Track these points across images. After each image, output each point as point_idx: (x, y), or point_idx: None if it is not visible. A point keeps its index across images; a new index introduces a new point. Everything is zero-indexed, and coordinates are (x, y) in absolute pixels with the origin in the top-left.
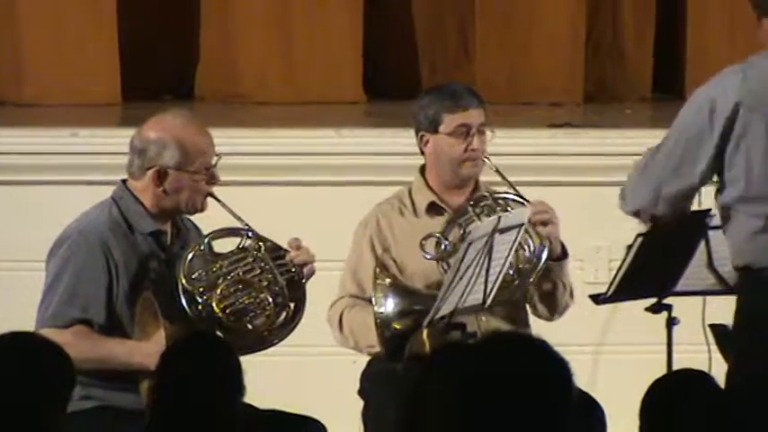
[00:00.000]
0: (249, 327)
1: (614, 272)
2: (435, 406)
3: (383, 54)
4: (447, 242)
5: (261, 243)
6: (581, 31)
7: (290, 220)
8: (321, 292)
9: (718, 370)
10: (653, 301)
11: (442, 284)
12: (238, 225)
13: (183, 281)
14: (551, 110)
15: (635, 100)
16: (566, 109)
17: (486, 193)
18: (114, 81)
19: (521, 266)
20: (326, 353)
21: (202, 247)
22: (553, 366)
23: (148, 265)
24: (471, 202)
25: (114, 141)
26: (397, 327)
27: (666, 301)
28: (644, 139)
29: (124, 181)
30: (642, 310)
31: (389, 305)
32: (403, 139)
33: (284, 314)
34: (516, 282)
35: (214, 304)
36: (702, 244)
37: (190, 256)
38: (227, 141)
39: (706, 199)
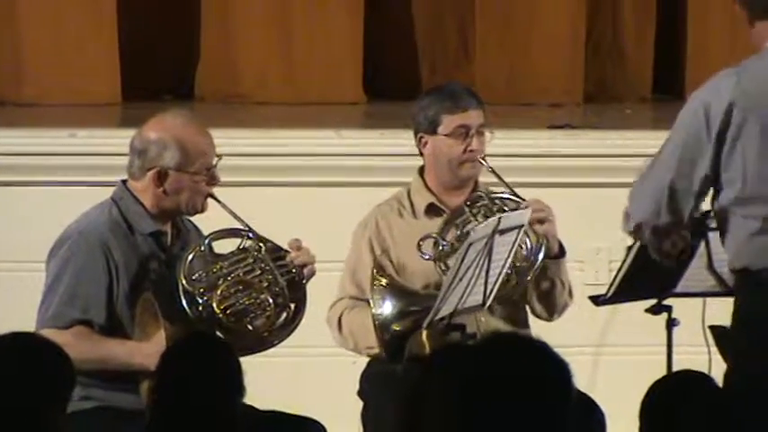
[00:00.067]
0: (249, 327)
1: (614, 273)
2: (435, 407)
3: (383, 55)
4: (444, 242)
5: (261, 244)
6: (581, 32)
7: (290, 220)
8: (321, 293)
9: (718, 371)
10: (653, 302)
11: (442, 285)
12: (239, 226)
13: (184, 282)
14: (551, 111)
15: (635, 100)
16: (566, 110)
17: (483, 194)
18: (114, 81)
19: (518, 264)
20: (326, 354)
21: (203, 248)
22: (553, 367)
23: (149, 266)
24: (468, 203)
25: (114, 142)
26: (397, 328)
27: (666, 302)
28: (644, 140)
29: (124, 181)
30: (642, 312)
31: (387, 307)
32: (403, 140)
33: (284, 315)
34: (513, 280)
35: (214, 305)
36: (702, 245)
37: (190, 256)
38: (228, 142)
39: (706, 201)
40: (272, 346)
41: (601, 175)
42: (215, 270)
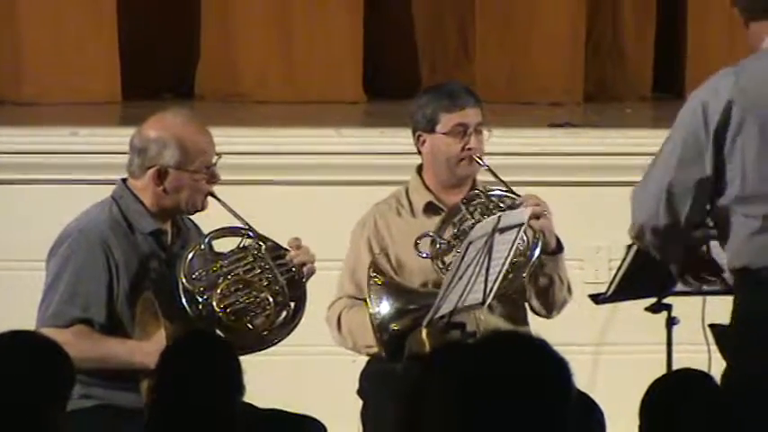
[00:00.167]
0: (249, 326)
1: (614, 272)
2: (434, 406)
3: (383, 54)
4: (441, 241)
5: (261, 242)
6: (581, 31)
7: (290, 219)
8: (321, 292)
9: (718, 370)
10: (653, 300)
11: (442, 284)
12: (238, 224)
13: (184, 280)
14: (551, 109)
15: (635, 99)
16: (566, 109)
17: (479, 191)
18: (114, 80)
19: (514, 260)
20: (326, 352)
21: (203, 247)
22: (553, 366)
23: (149, 265)
24: (464, 201)
25: (114, 140)
26: (395, 327)
27: (666, 300)
28: (644, 139)
29: (124, 180)
30: (642, 310)
31: (385, 306)
32: (403, 139)
33: (284, 314)
34: (510, 275)
35: (214, 304)
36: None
37: (190, 255)
38: (227, 140)
39: None
40: (272, 344)
41: (601, 173)
42: (215, 269)
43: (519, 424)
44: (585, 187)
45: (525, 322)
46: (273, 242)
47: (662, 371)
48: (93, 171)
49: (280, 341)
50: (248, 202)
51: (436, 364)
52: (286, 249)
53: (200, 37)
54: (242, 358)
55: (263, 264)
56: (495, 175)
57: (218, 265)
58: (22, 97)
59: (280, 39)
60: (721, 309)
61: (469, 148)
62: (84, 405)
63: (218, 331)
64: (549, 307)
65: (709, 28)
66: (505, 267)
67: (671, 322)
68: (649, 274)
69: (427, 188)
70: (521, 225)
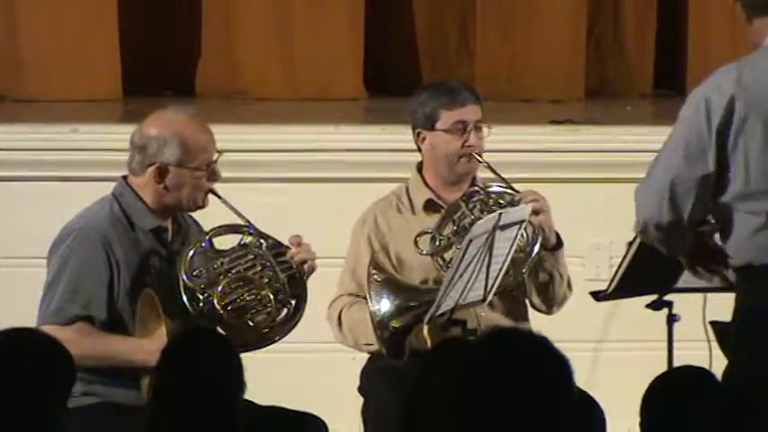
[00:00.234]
0: (250, 324)
1: (615, 269)
2: (435, 403)
3: (384, 51)
4: (441, 237)
5: (262, 240)
6: (582, 28)
7: (290, 216)
8: (322, 289)
9: (719, 367)
10: (653, 297)
11: (443, 281)
12: (239, 222)
13: (185, 278)
14: (552, 106)
15: (636, 96)
16: (567, 105)
17: (479, 188)
18: (115, 77)
19: (514, 256)
20: (326, 349)
21: (203, 244)
22: (553, 363)
23: (149, 262)
24: (464, 198)
25: (115, 137)
26: (395, 325)
27: (667, 297)
28: (645, 136)
29: (125, 177)
30: (643, 307)
31: (385, 303)
32: (403, 136)
33: (285, 311)
34: (510, 271)
35: (215, 301)
36: None
37: (191, 253)
38: (228, 138)
39: None
40: (273, 342)
41: (602, 170)
42: (216, 266)
43: (520, 421)
44: (586, 184)
45: (526, 319)
46: (274, 239)
47: (663, 368)
48: (94, 168)
49: (280, 339)
50: (249, 199)
51: (437, 361)
52: (287, 247)
53: (201, 34)
54: (243, 355)
55: (263, 261)
56: (494, 171)
57: (218, 263)
58: (22, 94)
59: (280, 36)
60: (722, 306)
61: (469, 145)
62: (85, 402)
63: (218, 329)
64: (550, 303)
65: (710, 25)
66: (506, 264)
67: (672, 319)
68: (650, 272)
69: (427, 185)
70: (522, 222)
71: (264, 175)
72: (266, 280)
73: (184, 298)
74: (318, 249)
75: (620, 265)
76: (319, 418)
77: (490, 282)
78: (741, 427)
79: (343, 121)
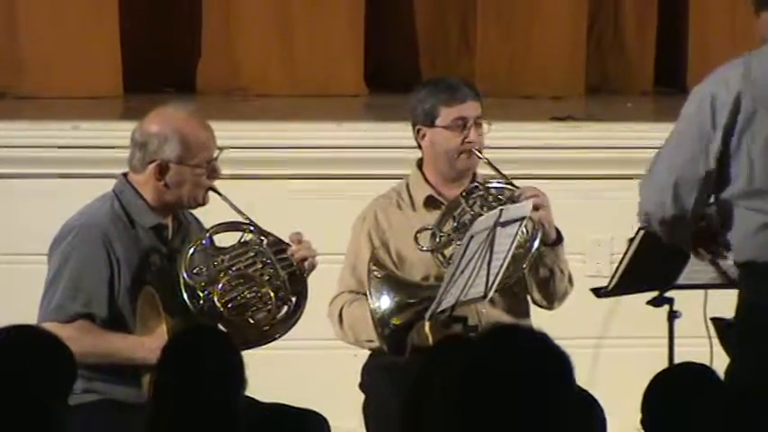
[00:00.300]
0: (251, 321)
1: (616, 265)
2: (436, 399)
3: (384, 47)
4: (441, 234)
5: (262, 237)
6: (583, 25)
7: (291, 213)
8: (322, 286)
9: (720, 363)
10: (654, 294)
11: (444, 278)
12: (240, 219)
13: (185, 275)
14: (553, 103)
15: (636, 93)
16: (567, 102)
17: (478, 184)
18: (116, 73)
19: (514, 252)
20: (328, 346)
21: (204, 242)
22: (554, 359)
23: (150, 260)
24: (463, 194)
25: (116, 134)
26: (396, 322)
27: (668, 294)
28: (646, 133)
29: (125, 174)
30: (644, 304)
31: (385, 300)
32: (404, 133)
33: (285, 309)
34: (510, 267)
35: (216, 299)
36: None
37: (191, 250)
38: (229, 134)
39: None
40: (273, 339)
41: (602, 167)
42: (216, 264)
43: (521, 418)
44: (587, 181)
45: (527, 315)
46: (275, 237)
47: (664, 364)
48: (95, 165)
49: (281, 336)
50: (250, 196)
51: (438, 357)
52: (287, 244)
53: (202, 30)
54: (244, 352)
55: (264, 258)
56: (494, 167)
57: (219, 260)
58: (23, 91)
59: (281, 32)
60: (723, 302)
61: (469, 141)
62: (86, 400)
63: (219, 326)
64: (551, 298)
65: (711, 22)
66: (507, 261)
67: (673, 316)
68: (651, 268)
69: (427, 182)
70: (523, 219)
71: (265, 172)
72: (267, 277)
73: (185, 295)
74: (319, 246)
75: (620, 262)
76: (320, 415)
77: (491, 278)
78: (743, 424)
79: (344, 117)
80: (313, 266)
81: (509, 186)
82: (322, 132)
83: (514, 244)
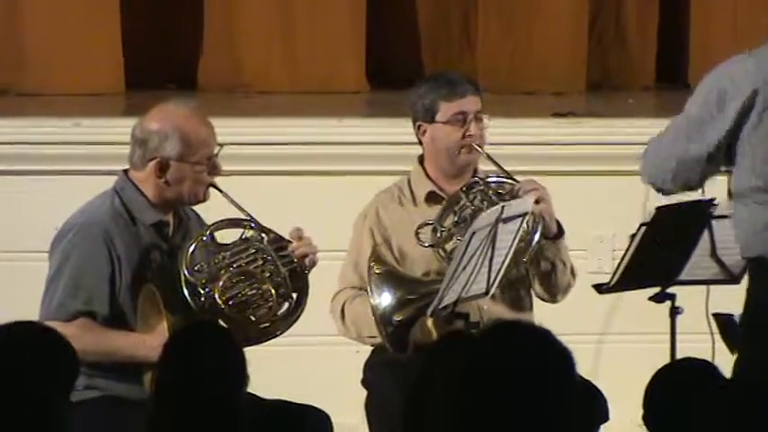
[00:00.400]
0: (252, 318)
1: (618, 261)
2: (439, 396)
3: (386, 44)
4: (442, 229)
5: (263, 234)
6: (584, 21)
7: (292, 210)
8: (324, 282)
9: (722, 359)
10: (656, 290)
11: (446, 274)
12: (241, 216)
13: (186, 272)
14: (554, 99)
15: (638, 89)
16: (569, 98)
17: (478, 179)
18: (118, 70)
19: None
20: (329, 342)
21: (204, 239)
22: (556, 356)
23: (150, 257)
24: (464, 189)
25: (117, 131)
26: (398, 318)
27: (670, 290)
28: (647, 129)
29: (126, 171)
30: (645, 300)
31: (386, 297)
32: (405, 129)
33: (286, 305)
34: (511, 262)
35: (217, 296)
36: (706, 233)
37: (192, 247)
38: (231, 131)
39: (710, 188)
40: (274, 336)
41: (604, 163)
42: (217, 261)
43: (522, 414)
44: (588, 177)
45: (530, 310)
46: (275, 233)
47: (666, 360)
48: (97, 162)
49: (282, 333)
50: (250, 192)
51: (440, 354)
52: (288, 241)
53: (204, 27)
54: (246, 349)
55: (265, 255)
56: (493, 161)
57: (220, 257)
58: (25, 87)
59: (282, 29)
60: (725, 298)
61: (470, 136)
62: (88, 396)
63: (220, 322)
64: (553, 291)
65: (712, 18)
66: (509, 257)
67: (674, 312)
68: (653, 264)
69: (429, 177)
70: (524, 215)
71: (266, 169)
72: (268, 274)
73: (186, 292)
74: (320, 243)
75: (622, 258)
76: (322, 411)
77: (493, 275)
78: (747, 420)
79: (345, 114)
80: (314, 263)
81: (509, 180)
82: (323, 129)
83: (516, 240)
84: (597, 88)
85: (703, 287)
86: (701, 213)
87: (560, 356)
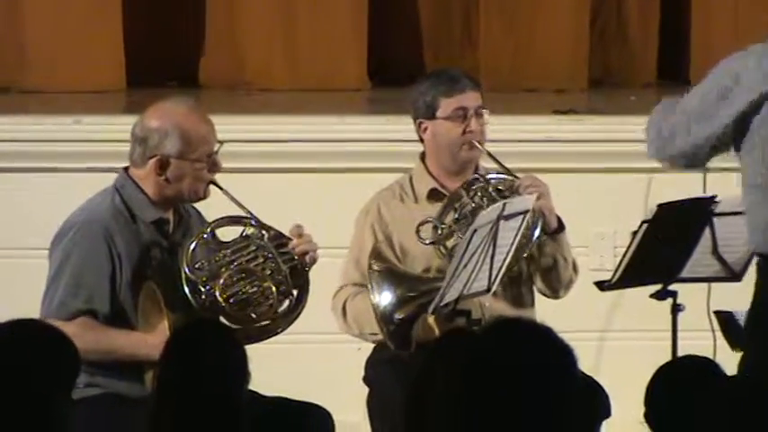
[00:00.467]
0: (253, 316)
1: (619, 258)
2: (440, 393)
3: (387, 41)
4: (442, 226)
5: (264, 231)
6: (585, 18)
7: (292, 207)
8: (325, 280)
9: (723, 356)
10: (658, 287)
11: (447, 271)
12: (241, 213)
13: (186, 270)
14: (556, 96)
15: (639, 86)
16: (570, 95)
17: (478, 176)
18: (119, 68)
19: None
20: (331, 340)
21: (205, 236)
22: (557, 353)
23: (151, 254)
24: (464, 186)
25: (119, 128)
26: (399, 316)
27: (671, 287)
28: None
29: (126, 169)
30: (647, 297)
31: (386, 295)
32: (406, 126)
33: (287, 303)
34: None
35: (217, 293)
36: (707, 230)
37: (192, 245)
38: (232, 128)
39: (711, 187)
40: (275, 334)
41: (605, 160)
42: (218, 258)
43: (524, 411)
44: (590, 174)
45: (531, 307)
46: (276, 231)
47: (667, 358)
48: (98, 159)
49: (283, 330)
50: (251, 190)
51: (441, 351)
52: (288, 238)
53: (205, 25)
54: (247, 346)
55: (265, 253)
56: (493, 158)
57: (220, 255)
58: (26, 85)
59: (284, 27)
60: (727, 296)
61: (470, 131)
62: (89, 394)
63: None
64: (555, 287)
65: (714, 14)
66: (510, 254)
67: (676, 309)
68: (655, 261)
69: (430, 174)
70: (526, 212)
71: (267, 166)
72: (268, 272)
73: (186, 290)
74: (321, 240)
75: (624, 255)
76: (324, 409)
77: (494, 272)
78: (749, 417)
79: (347, 111)
80: (314, 260)
81: (509, 177)
82: (325, 126)
83: (518, 237)
84: (599, 85)
85: (705, 284)
86: (703, 210)
87: (562, 353)
